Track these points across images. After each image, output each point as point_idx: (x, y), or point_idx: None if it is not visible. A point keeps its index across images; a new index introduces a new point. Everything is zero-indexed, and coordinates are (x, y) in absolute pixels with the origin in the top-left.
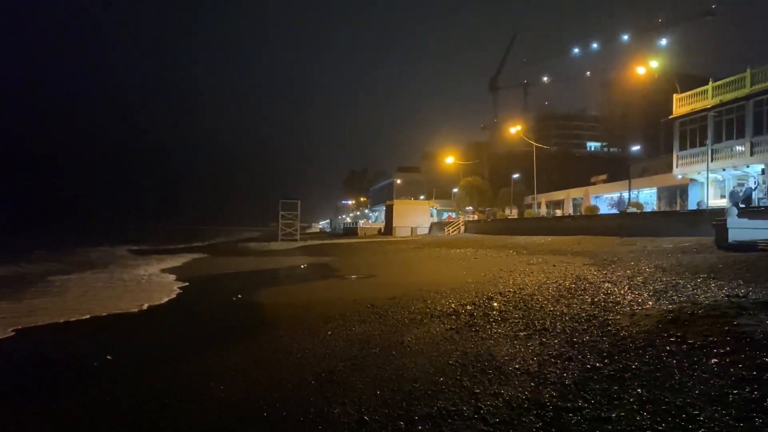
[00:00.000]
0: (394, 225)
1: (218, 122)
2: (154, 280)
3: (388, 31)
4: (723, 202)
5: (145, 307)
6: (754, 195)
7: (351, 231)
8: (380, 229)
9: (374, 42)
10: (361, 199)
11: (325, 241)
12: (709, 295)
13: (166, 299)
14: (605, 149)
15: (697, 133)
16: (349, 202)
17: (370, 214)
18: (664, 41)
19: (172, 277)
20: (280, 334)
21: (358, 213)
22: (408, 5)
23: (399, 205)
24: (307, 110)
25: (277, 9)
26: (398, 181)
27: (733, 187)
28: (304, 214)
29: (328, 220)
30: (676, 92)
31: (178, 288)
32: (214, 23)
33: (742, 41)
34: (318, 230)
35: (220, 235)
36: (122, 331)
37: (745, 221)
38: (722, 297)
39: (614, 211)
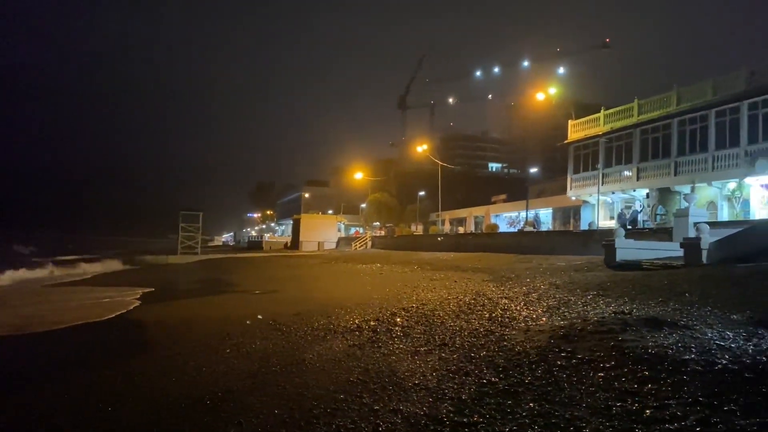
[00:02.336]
0: (300, 239)
1: (112, 125)
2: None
3: (298, 42)
4: (612, 223)
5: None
6: (640, 217)
7: (256, 245)
8: (287, 243)
9: (283, 54)
10: (268, 212)
11: (228, 255)
12: (597, 311)
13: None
14: (506, 170)
15: (589, 157)
16: (255, 215)
17: (277, 228)
18: (562, 70)
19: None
20: (175, 351)
21: (264, 226)
22: (319, 18)
23: (306, 219)
24: (213, 119)
25: (176, 12)
26: (306, 195)
27: (621, 209)
28: (207, 226)
29: (232, 233)
30: (571, 118)
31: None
32: (119, 31)
33: (633, 74)
34: (221, 243)
35: (114, 247)
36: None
37: (631, 242)
38: (609, 313)
39: (513, 229)
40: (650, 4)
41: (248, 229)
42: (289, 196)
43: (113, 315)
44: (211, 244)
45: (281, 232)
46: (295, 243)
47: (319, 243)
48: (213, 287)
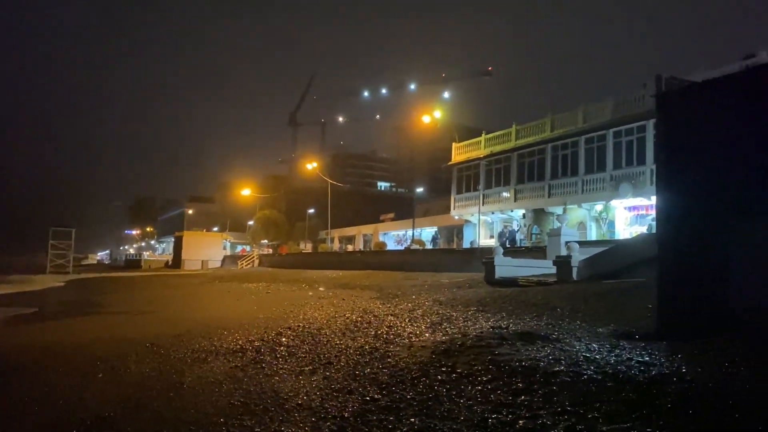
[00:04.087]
0: (183, 257)
1: None
2: None
3: (184, 52)
4: (492, 242)
5: None
6: (517, 236)
7: (134, 263)
8: (168, 262)
9: (167, 63)
10: (148, 229)
11: (103, 274)
12: (477, 326)
13: None
14: (394, 189)
15: (471, 179)
16: (134, 232)
17: (157, 246)
18: (446, 94)
19: None
20: (39, 378)
21: (144, 244)
22: (205, 32)
23: (189, 237)
24: (90, 128)
25: (54, 8)
26: (190, 212)
27: (502, 229)
28: (81, 243)
29: (108, 251)
30: (455, 141)
31: None
32: None
33: (512, 100)
34: (96, 262)
35: None
36: None
37: (509, 260)
38: (488, 328)
39: (400, 247)
40: (528, 37)
41: (126, 247)
42: (171, 212)
43: None
44: (84, 262)
45: (162, 250)
46: (177, 261)
47: (202, 261)
48: (84, 308)
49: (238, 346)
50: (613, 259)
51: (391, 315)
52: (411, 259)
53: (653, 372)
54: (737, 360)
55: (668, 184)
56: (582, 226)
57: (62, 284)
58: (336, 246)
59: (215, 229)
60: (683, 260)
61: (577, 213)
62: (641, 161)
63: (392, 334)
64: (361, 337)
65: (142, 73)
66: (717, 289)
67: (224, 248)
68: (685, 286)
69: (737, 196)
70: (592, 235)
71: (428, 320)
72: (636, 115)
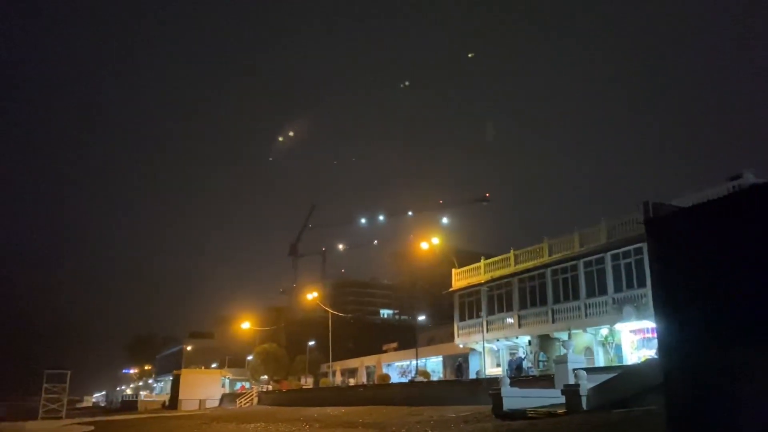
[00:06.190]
0: (180, 397)
1: None
2: None
3: (182, 191)
4: (499, 371)
5: None
6: (524, 364)
7: (130, 405)
8: (164, 402)
9: (171, 197)
10: (146, 367)
11: (98, 418)
12: None
13: None
14: (397, 317)
15: (473, 305)
16: (132, 371)
17: (155, 385)
18: (445, 220)
19: None
20: None
21: (141, 383)
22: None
23: (187, 375)
24: (85, 263)
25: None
26: (189, 348)
27: (512, 356)
28: (76, 385)
29: (104, 393)
30: (455, 267)
31: None
32: None
33: (511, 225)
34: (91, 404)
35: None
36: None
37: (516, 390)
38: None
39: (404, 379)
40: (519, 164)
41: (123, 387)
42: (169, 349)
43: None
44: (80, 405)
45: (160, 389)
46: (174, 401)
47: (200, 401)
48: None
49: None
50: (622, 386)
51: None
52: (415, 392)
53: None
54: None
55: (665, 309)
56: (589, 351)
57: (57, 429)
58: (338, 380)
59: (214, 365)
60: (687, 388)
61: (582, 338)
62: (641, 284)
63: None
64: None
65: (139, 215)
66: (724, 419)
67: (223, 385)
68: (692, 416)
69: (732, 322)
70: (600, 360)
71: None
72: (631, 238)
